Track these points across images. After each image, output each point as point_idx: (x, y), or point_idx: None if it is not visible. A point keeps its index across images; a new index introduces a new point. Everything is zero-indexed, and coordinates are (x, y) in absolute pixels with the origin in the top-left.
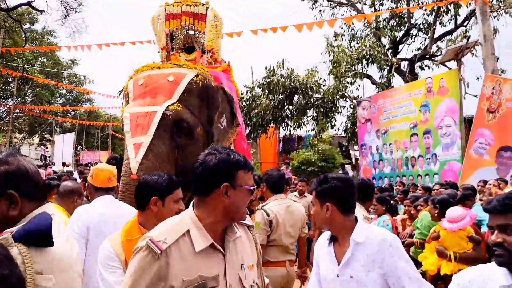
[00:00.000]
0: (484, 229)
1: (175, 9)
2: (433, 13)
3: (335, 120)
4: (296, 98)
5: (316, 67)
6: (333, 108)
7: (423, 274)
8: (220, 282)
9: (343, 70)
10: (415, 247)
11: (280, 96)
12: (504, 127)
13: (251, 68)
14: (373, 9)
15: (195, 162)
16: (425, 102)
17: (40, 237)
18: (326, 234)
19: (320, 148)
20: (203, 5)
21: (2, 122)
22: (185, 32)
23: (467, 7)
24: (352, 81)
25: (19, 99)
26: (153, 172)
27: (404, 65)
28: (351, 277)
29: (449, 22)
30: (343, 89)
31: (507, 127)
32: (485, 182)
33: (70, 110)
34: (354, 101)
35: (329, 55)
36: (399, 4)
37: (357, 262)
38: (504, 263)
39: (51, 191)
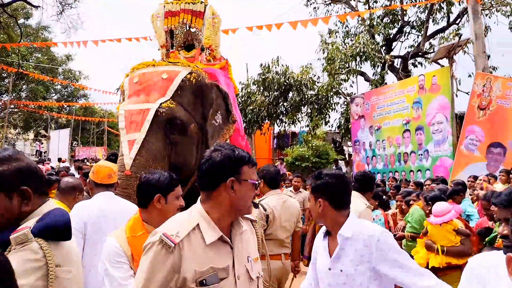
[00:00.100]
0: (473, 223)
1: (174, 6)
2: (426, 11)
3: (329, 117)
4: (290, 94)
5: (310, 64)
6: (327, 105)
7: None
8: (229, 274)
9: (337, 67)
10: (406, 240)
11: (275, 93)
12: (494, 124)
13: (246, 65)
14: (367, 6)
15: (190, 158)
16: (417, 99)
17: (60, 231)
18: (324, 228)
19: (314, 144)
20: (201, 2)
21: None
22: (185, 30)
23: (460, 5)
24: (346, 78)
25: (14, 95)
26: (153, 171)
27: (397, 62)
28: (341, 271)
29: (442, 20)
30: (337, 86)
31: (497, 124)
32: (475, 177)
33: (65, 106)
34: (348, 97)
35: (323, 52)
36: (392, 1)
37: (347, 257)
38: None
39: (51, 186)
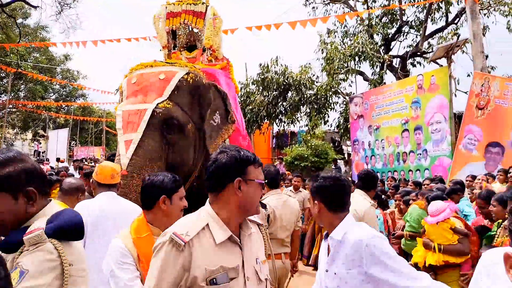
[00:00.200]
0: (469, 223)
1: (176, 7)
2: (425, 11)
3: (328, 116)
4: (289, 94)
5: (309, 63)
6: (326, 104)
7: (415, 266)
8: (239, 274)
9: (336, 67)
10: (405, 239)
11: (274, 93)
12: (493, 123)
13: (245, 65)
14: (365, 6)
15: (187, 158)
16: (416, 99)
17: (73, 231)
18: None
19: (313, 144)
20: (203, 3)
21: None
22: (187, 31)
23: (458, 4)
24: (345, 77)
25: (12, 95)
26: (156, 172)
27: (396, 62)
28: (335, 273)
29: (440, 20)
30: (336, 86)
31: (496, 124)
32: (473, 177)
33: (64, 106)
34: (347, 97)
35: (322, 52)
36: (391, 1)
37: (339, 260)
38: None
39: (51, 187)
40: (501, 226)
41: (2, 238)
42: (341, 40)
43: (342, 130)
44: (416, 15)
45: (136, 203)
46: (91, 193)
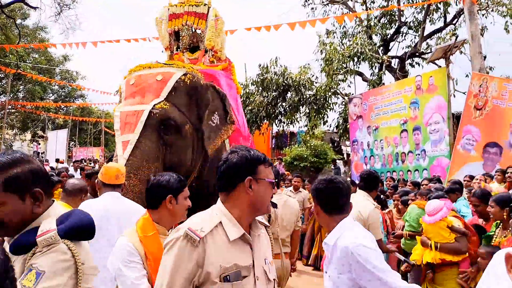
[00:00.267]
0: None
1: (178, 9)
2: (423, 11)
3: (327, 117)
4: (289, 95)
5: (308, 64)
6: (325, 105)
7: (414, 264)
8: (250, 273)
9: (335, 68)
10: (405, 239)
11: (274, 93)
12: (491, 123)
13: (244, 66)
14: (364, 7)
15: (185, 159)
16: (414, 100)
17: (85, 231)
18: None
19: (312, 144)
20: (205, 5)
21: None
22: (191, 32)
23: (456, 5)
24: (344, 78)
25: (11, 95)
26: (162, 173)
27: (394, 63)
28: (329, 276)
29: (439, 20)
30: (335, 86)
31: (494, 124)
32: (471, 177)
33: (63, 106)
34: (346, 98)
35: (321, 53)
36: (389, 2)
37: (332, 264)
38: None
39: (53, 188)
40: (499, 226)
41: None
42: (340, 40)
43: (341, 131)
44: (414, 16)
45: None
46: (92, 193)
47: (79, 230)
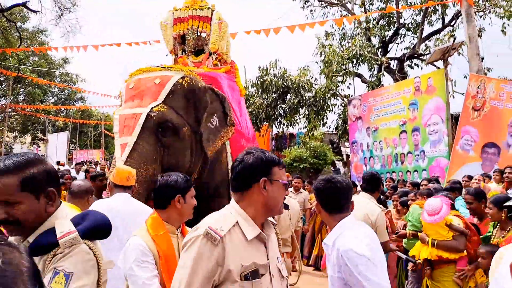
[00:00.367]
0: None
1: (182, 13)
2: (421, 13)
3: (327, 118)
4: (288, 97)
5: (308, 66)
6: (325, 107)
7: (413, 257)
8: (267, 271)
9: (334, 70)
10: (408, 238)
11: (273, 95)
12: (489, 124)
13: (244, 68)
14: (362, 9)
15: (183, 161)
16: (413, 101)
17: (102, 231)
18: None
19: (311, 145)
20: (208, 8)
21: None
22: (196, 35)
23: (454, 6)
24: (343, 80)
25: (11, 98)
26: (169, 173)
27: (393, 64)
28: (328, 275)
29: (437, 22)
30: (334, 88)
31: (492, 125)
32: (470, 177)
33: (63, 109)
34: (345, 99)
35: (321, 55)
36: (388, 4)
37: (330, 262)
38: None
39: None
40: (497, 227)
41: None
42: (339, 42)
43: (340, 132)
44: (413, 18)
45: None
46: (97, 194)
47: (96, 230)
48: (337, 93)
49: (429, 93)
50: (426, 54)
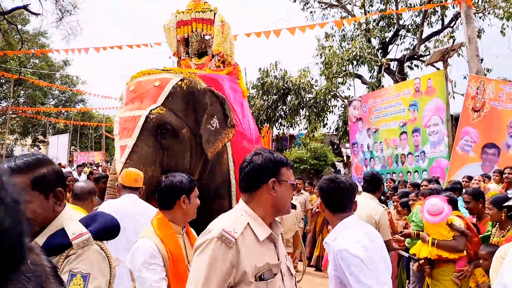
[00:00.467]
0: None
1: (185, 16)
2: (421, 14)
3: (327, 119)
4: (289, 98)
5: (308, 67)
6: (325, 108)
7: (414, 255)
8: (279, 270)
9: (334, 71)
10: (412, 238)
11: (274, 97)
12: (488, 125)
13: (244, 70)
14: (362, 10)
15: (182, 162)
16: (413, 102)
17: (111, 232)
18: None
19: (312, 147)
20: (211, 10)
21: None
22: (199, 38)
23: (454, 8)
24: (343, 81)
25: (12, 101)
26: (173, 174)
27: (393, 65)
28: (328, 272)
29: (437, 23)
30: (335, 89)
31: (491, 125)
32: (470, 178)
33: (63, 111)
34: (346, 100)
35: (321, 57)
36: (388, 5)
37: (330, 261)
38: None
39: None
40: (496, 226)
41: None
42: (339, 44)
43: (341, 133)
44: (412, 19)
45: None
46: (100, 196)
47: (107, 231)
48: (337, 94)
49: (429, 94)
50: (426, 55)
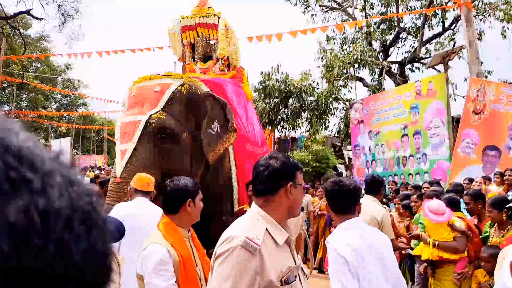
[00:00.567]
0: None
1: (190, 21)
2: (422, 17)
3: (329, 122)
4: (291, 101)
5: (309, 70)
6: (327, 110)
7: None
8: (297, 272)
9: (335, 74)
10: (420, 239)
11: (276, 100)
12: (489, 127)
13: (246, 73)
14: (363, 13)
15: (182, 166)
16: (414, 104)
17: (121, 234)
18: None
19: (314, 149)
20: (215, 15)
21: None
22: (205, 43)
23: (454, 10)
24: (345, 84)
25: (15, 105)
26: (177, 178)
27: (394, 68)
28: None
29: (437, 26)
30: (336, 92)
31: (492, 128)
32: (470, 180)
33: (65, 115)
34: (347, 103)
35: (322, 60)
36: (388, 8)
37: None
38: None
39: None
40: (494, 226)
41: None
42: (340, 47)
43: (342, 136)
44: (413, 22)
45: None
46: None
47: (117, 233)
48: (339, 97)
49: (430, 96)
50: (427, 58)
